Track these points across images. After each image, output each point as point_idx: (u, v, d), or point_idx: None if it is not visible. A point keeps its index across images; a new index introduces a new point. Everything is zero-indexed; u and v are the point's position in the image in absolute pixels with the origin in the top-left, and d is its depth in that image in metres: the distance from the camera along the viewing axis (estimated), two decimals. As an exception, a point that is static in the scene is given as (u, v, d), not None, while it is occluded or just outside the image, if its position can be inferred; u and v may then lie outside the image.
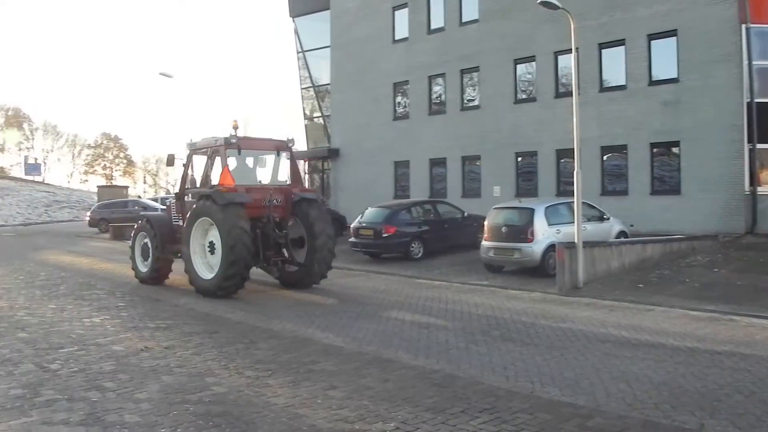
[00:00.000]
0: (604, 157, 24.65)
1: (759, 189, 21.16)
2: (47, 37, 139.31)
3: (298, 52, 39.18)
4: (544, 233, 16.91)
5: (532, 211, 17.39)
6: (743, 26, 21.04)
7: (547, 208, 17.66)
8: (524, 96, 27.47)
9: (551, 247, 16.31)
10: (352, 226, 22.65)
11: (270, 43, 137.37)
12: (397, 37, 32.52)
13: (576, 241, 15.37)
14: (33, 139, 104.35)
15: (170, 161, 17.70)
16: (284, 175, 16.90)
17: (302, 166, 45.59)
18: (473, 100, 29.43)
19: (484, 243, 17.98)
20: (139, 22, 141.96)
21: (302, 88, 39.79)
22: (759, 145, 21.06)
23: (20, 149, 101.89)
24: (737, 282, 14.99)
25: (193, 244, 15.33)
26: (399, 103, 32.90)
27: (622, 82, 24.08)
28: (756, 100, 20.99)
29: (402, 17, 32.24)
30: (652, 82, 23.35)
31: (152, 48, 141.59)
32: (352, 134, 34.51)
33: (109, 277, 18.17)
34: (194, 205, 15.55)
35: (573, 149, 16.21)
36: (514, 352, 9.24)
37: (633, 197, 23.48)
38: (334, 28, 35.95)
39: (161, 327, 11.22)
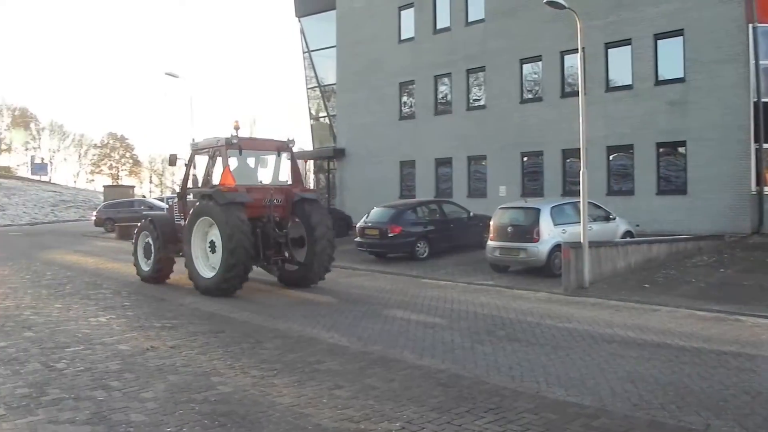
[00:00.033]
0: (610, 157, 24.61)
1: (765, 189, 21.13)
2: (54, 38, 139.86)
3: (304, 52, 39.20)
4: (549, 233, 16.89)
5: (537, 211, 17.37)
6: (750, 26, 21.00)
7: (552, 208, 17.63)
8: (530, 96, 27.43)
9: (557, 247, 16.32)
10: (357, 225, 22.65)
11: (276, 43, 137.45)
12: (403, 37, 32.50)
13: (582, 241, 15.34)
14: (39, 138, 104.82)
15: (172, 161, 17.92)
16: (285, 176, 16.99)
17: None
18: (479, 100, 29.41)
19: (490, 243, 17.97)
20: (145, 22, 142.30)
21: (308, 88, 39.80)
22: (765, 145, 21.07)
23: (27, 149, 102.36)
24: (743, 282, 14.95)
25: (194, 243, 15.46)
26: (405, 102, 32.88)
27: (629, 82, 24.04)
28: (762, 100, 20.98)
29: (408, 17, 32.22)
30: (659, 82, 23.31)
31: (158, 48, 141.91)
32: (358, 134, 34.52)
33: (115, 277, 18.21)
34: (195, 205, 15.68)
35: (579, 149, 16.18)
36: (519, 352, 9.23)
37: (639, 197, 23.44)
38: (340, 28, 35.95)
39: (167, 326, 11.24)
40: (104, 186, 73.81)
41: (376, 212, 22.27)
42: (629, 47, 23.85)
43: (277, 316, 12.23)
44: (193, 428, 6.23)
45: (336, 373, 8.19)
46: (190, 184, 17.05)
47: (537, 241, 16.87)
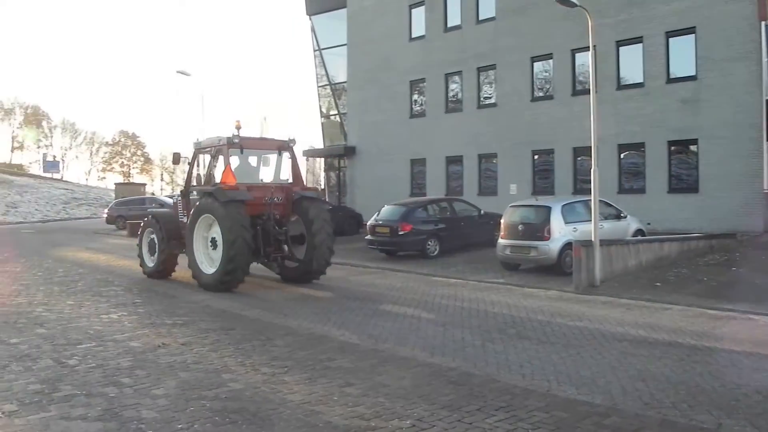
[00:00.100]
0: (622, 155, 24.55)
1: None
2: (66, 36, 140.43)
3: (314, 50, 39.23)
4: (560, 231, 16.85)
5: (548, 209, 17.32)
6: (762, 23, 20.89)
7: (563, 206, 17.58)
8: (541, 94, 27.38)
9: (568, 245, 16.28)
10: (368, 223, 22.68)
11: (287, 42, 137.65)
12: (413, 35, 32.52)
13: (593, 239, 15.29)
14: (51, 136, 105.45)
15: (176, 159, 18.78)
16: (286, 174, 17.28)
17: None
18: (490, 98, 29.38)
19: (501, 241, 17.94)
20: (156, 21, 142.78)
21: (319, 86, 39.83)
22: (778, 143, 20.92)
23: (39, 147, 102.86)
24: (755, 281, 14.87)
25: (196, 240, 15.83)
26: (415, 100, 32.89)
27: (640, 80, 23.96)
28: (775, 98, 20.84)
29: (419, 15, 32.23)
30: (670, 80, 23.22)
31: (170, 46, 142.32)
32: (369, 132, 34.54)
33: (126, 274, 18.28)
34: (198, 202, 16.04)
35: (590, 147, 16.13)
36: (530, 351, 9.21)
37: (650, 195, 23.36)
38: (351, 26, 35.97)
39: (178, 323, 11.27)
40: (115, 184, 74.12)
41: (386, 210, 22.29)
42: (641, 45, 23.77)
43: (288, 314, 12.25)
44: (204, 425, 6.25)
45: (347, 370, 8.19)
46: (193, 182, 17.41)
47: (548, 239, 16.83)
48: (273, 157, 17.31)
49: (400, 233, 21.02)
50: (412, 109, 32.84)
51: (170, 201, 40.00)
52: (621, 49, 24.42)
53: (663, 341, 9.80)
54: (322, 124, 40.48)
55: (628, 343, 9.63)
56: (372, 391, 7.29)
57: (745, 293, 13.62)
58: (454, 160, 30.50)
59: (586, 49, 18.00)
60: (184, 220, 16.92)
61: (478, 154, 29.34)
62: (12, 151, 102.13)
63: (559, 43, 25.87)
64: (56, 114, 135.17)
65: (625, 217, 18.99)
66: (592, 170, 15.72)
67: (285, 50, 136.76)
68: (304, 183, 17.31)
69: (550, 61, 26.79)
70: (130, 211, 39.12)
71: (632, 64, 24.16)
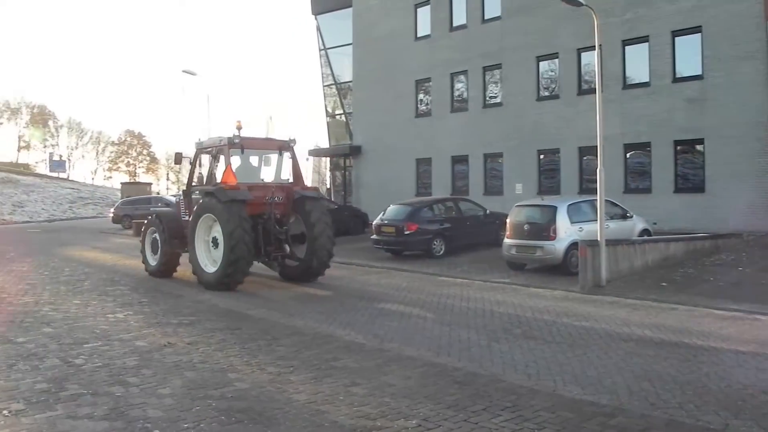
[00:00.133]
0: (628, 155, 24.50)
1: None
2: (72, 36, 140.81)
3: (320, 50, 39.23)
4: (566, 231, 16.82)
5: (554, 208, 17.31)
6: (768, 23, 20.82)
7: (569, 205, 17.56)
8: (547, 93, 27.35)
9: (574, 245, 16.24)
10: (374, 223, 22.68)
11: (292, 41, 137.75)
12: (419, 35, 32.52)
13: (599, 239, 15.27)
14: (58, 136, 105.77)
15: (178, 159, 19.03)
16: (286, 174, 17.46)
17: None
18: (495, 97, 29.35)
19: (506, 240, 17.93)
20: (162, 20, 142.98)
21: (324, 86, 39.84)
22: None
23: (45, 146, 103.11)
24: (762, 281, 14.81)
25: (198, 239, 16.00)
26: (421, 100, 32.88)
27: (646, 79, 23.91)
28: (782, 97, 20.76)
29: (424, 14, 32.23)
30: (676, 79, 23.17)
31: (176, 45, 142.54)
32: (374, 131, 34.53)
33: (132, 273, 18.32)
34: (199, 202, 16.28)
35: (596, 147, 16.08)
36: (536, 350, 9.21)
37: (656, 195, 23.31)
38: (357, 25, 35.97)
39: (184, 323, 11.30)
40: (122, 183, 74.35)
41: (392, 210, 22.28)
42: (646, 44, 23.72)
43: (294, 313, 12.26)
44: (210, 424, 6.26)
45: (352, 370, 8.20)
46: (195, 182, 17.61)
47: (553, 239, 16.81)
48: (274, 157, 17.49)
49: (406, 233, 21.00)
50: (417, 108, 32.84)
51: (175, 201, 40.11)
52: (627, 48, 24.38)
53: (669, 341, 9.78)
54: (328, 123, 40.51)
55: (634, 343, 9.62)
56: (378, 391, 7.29)
57: (751, 293, 13.57)
58: (459, 160, 30.49)
59: (592, 48, 17.97)
60: (187, 219, 17.08)
61: (484, 154, 29.32)
62: (18, 151, 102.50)
63: (565, 43, 25.85)
64: (62, 113, 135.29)
65: (631, 216, 18.95)
66: (597, 170, 15.68)
67: (290, 50, 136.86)
68: (305, 182, 17.43)
69: (556, 60, 26.76)
70: (136, 211, 39.21)
71: (638, 63, 24.11)
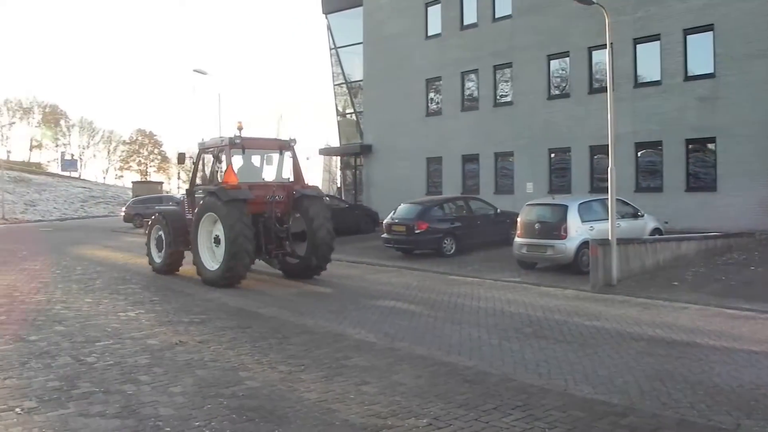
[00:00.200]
0: (639, 154, 24.42)
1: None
2: (84, 35, 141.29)
3: (330, 49, 39.28)
4: (577, 230, 16.78)
5: (565, 207, 17.26)
6: (781, 21, 20.70)
7: (580, 204, 17.52)
8: (558, 92, 27.29)
9: (585, 244, 16.21)
10: (384, 222, 22.68)
11: (303, 40, 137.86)
12: (429, 33, 32.50)
13: (610, 238, 15.22)
14: (69, 135, 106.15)
15: (181, 159, 19.81)
16: (287, 173, 17.76)
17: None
18: (506, 96, 29.30)
19: (517, 240, 17.90)
20: (174, 19, 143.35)
21: (335, 85, 39.89)
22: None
23: (57, 145, 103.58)
24: (775, 280, 14.75)
25: (200, 237, 16.31)
26: (431, 99, 32.86)
27: (657, 78, 23.81)
28: (794, 96, 20.64)
29: (435, 13, 32.20)
30: (688, 78, 23.06)
31: (187, 45, 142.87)
32: (385, 130, 34.53)
33: (143, 272, 18.39)
34: (201, 201, 16.58)
35: (607, 145, 16.04)
36: (547, 350, 9.19)
37: (668, 194, 23.22)
38: (367, 24, 35.97)
39: (195, 321, 11.33)
40: (133, 182, 74.66)
41: (402, 209, 22.29)
42: (658, 42, 23.62)
43: (304, 312, 12.28)
44: (221, 423, 6.27)
45: (363, 369, 8.20)
46: (198, 182, 18.09)
47: (564, 238, 16.77)
48: (275, 157, 17.78)
49: (417, 232, 21.00)
50: (428, 107, 32.82)
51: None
52: (638, 46, 24.28)
53: (681, 341, 9.74)
54: (338, 122, 40.56)
55: (645, 343, 9.59)
56: (388, 390, 7.29)
57: (763, 293, 13.49)
58: (470, 159, 30.45)
59: (603, 46, 17.92)
60: (191, 218, 17.35)
61: (495, 153, 29.27)
62: (30, 150, 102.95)
63: (576, 41, 25.77)
64: (74, 113, 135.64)
65: (643, 215, 18.88)
66: (609, 169, 15.65)
67: (301, 48, 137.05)
68: (305, 181, 17.60)
69: (567, 59, 26.69)
70: (148, 210, 39.25)
71: (650, 61, 24.01)
